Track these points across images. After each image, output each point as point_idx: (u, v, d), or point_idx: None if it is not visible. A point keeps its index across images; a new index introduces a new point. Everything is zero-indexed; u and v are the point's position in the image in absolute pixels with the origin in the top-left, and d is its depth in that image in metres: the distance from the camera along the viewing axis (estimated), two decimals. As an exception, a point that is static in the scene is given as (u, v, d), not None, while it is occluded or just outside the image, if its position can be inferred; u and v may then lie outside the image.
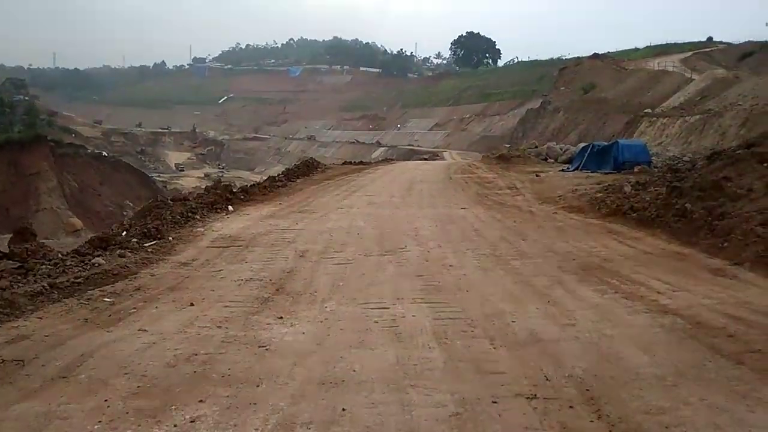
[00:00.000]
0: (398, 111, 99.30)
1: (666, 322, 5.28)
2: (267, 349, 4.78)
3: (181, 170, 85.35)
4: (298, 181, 21.79)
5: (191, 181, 73.11)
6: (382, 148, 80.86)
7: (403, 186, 20.27)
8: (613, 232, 10.17)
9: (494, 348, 4.80)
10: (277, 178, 20.61)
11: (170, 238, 9.38)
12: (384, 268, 7.75)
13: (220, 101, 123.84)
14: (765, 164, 9.70)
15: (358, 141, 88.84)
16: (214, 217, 11.95)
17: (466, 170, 27.13)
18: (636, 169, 21.81)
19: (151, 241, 8.93)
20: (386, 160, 38.07)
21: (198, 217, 11.56)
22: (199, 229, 10.49)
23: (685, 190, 10.15)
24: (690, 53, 62.15)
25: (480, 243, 9.41)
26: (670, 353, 4.58)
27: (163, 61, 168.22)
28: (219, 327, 5.33)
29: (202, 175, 77.50)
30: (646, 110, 43.47)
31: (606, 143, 25.86)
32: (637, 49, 78.08)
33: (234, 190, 15.37)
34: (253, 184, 18.13)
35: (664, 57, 62.77)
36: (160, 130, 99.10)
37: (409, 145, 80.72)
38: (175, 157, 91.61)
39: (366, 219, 11.94)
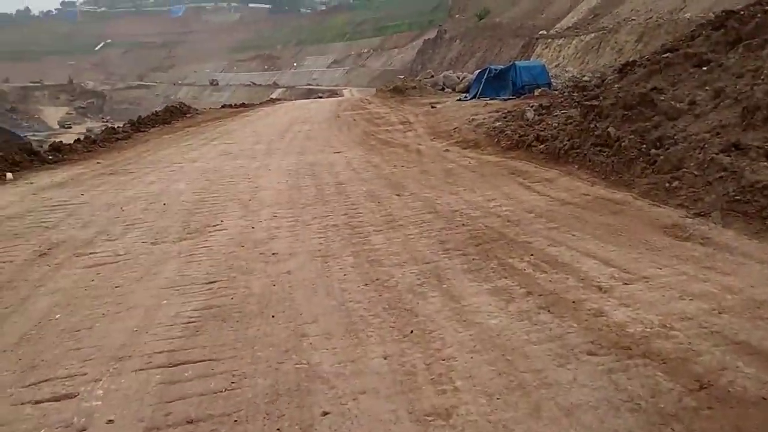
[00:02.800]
0: (293, 49, 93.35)
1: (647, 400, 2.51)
2: None
3: (67, 127, 76.70)
4: (151, 130, 17.91)
5: (73, 138, 65.52)
6: (279, 89, 75.88)
7: (279, 129, 17.00)
8: (517, 173, 7.50)
9: None
10: (119, 129, 16.64)
11: None
12: (157, 270, 4.63)
13: (97, 48, 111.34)
14: (704, 68, 7.21)
15: (254, 83, 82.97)
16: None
17: (358, 106, 24.13)
18: (536, 93, 19.59)
19: None
20: (272, 101, 34.06)
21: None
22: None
23: (605, 110, 7.55)
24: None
25: (336, 205, 6.47)
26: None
27: (26, 7, 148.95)
28: None
29: (85, 131, 69.71)
30: (541, 32, 41.60)
31: (503, 66, 23.37)
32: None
33: (36, 150, 11.48)
34: (78, 139, 14.15)
35: (556, -22, 60.90)
36: (31, 85, 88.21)
37: (308, 84, 76.30)
38: (51, 113, 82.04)
39: (196, 179, 8.67)
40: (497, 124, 11.55)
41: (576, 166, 7.17)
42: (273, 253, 4.90)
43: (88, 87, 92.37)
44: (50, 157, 11.71)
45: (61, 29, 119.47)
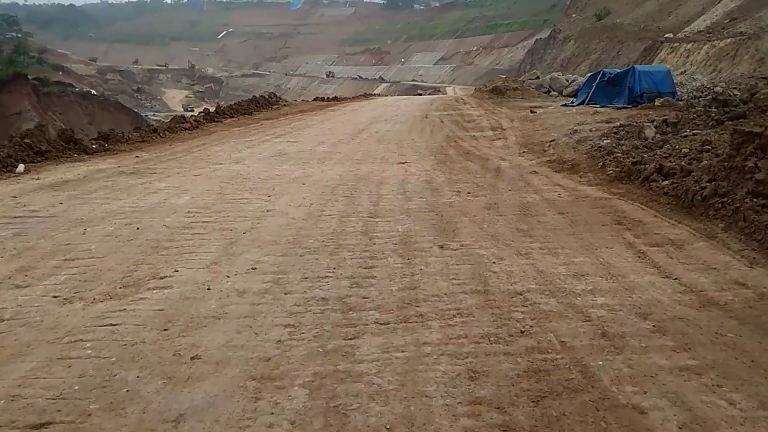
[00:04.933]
0: (402, 45, 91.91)
1: None
2: None
3: (190, 110, 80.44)
4: (227, 120, 16.68)
5: (189, 121, 67.92)
6: (384, 84, 74.93)
7: (356, 128, 15.20)
8: (626, 223, 5.05)
9: None
10: (189, 119, 15.45)
11: None
12: (10, 368, 2.78)
13: (219, 36, 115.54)
14: None
15: (360, 77, 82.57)
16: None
17: (450, 106, 21.93)
18: (657, 103, 16.42)
19: None
20: (365, 95, 32.33)
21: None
22: None
23: (773, 140, 4.91)
24: (717, -27, 54.11)
25: (348, 257, 4.36)
26: None
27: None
28: None
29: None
30: (666, 35, 37.05)
31: (619, 70, 20.19)
32: (657, -27, 69.38)
33: (76, 137, 10.24)
34: (138, 127, 12.99)
35: (688, -22, 54.89)
36: (157, 68, 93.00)
37: (413, 80, 74.70)
38: (172, 95, 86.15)
39: (209, 190, 6.88)
40: (604, 142, 8.92)
41: (721, 224, 4.62)
42: (193, 358, 2.90)
43: (208, 73, 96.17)
44: (93, 146, 10.50)
45: (189, 17, 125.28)
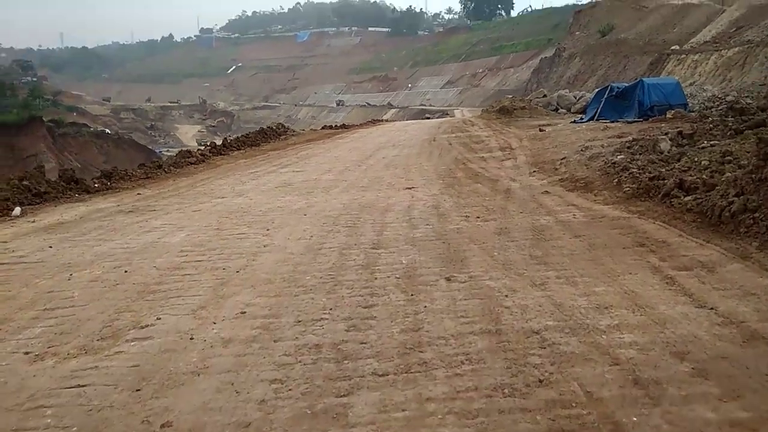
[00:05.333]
0: (409, 70, 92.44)
1: None
2: None
3: (203, 144, 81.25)
4: (234, 153, 16.50)
5: (201, 155, 68.43)
6: (393, 110, 75.24)
7: (363, 154, 14.94)
8: (649, 245, 4.62)
9: None
10: (195, 153, 15.28)
11: None
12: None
13: (229, 71, 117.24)
14: None
15: (368, 104, 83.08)
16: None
17: (458, 128, 21.66)
18: (669, 115, 16.03)
19: None
20: (373, 122, 32.16)
21: None
22: None
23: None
24: (719, -16, 53.86)
25: (347, 294, 3.99)
26: None
27: (170, 34, 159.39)
28: None
29: (215, 149, 72.80)
30: (672, 47, 36.70)
31: (627, 84, 19.84)
32: (659, -12, 69.28)
33: (78, 178, 10.02)
34: (142, 164, 12.78)
35: (689, -9, 54.72)
36: (169, 104, 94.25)
37: (421, 104, 74.92)
38: (185, 131, 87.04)
39: (206, 226, 6.54)
40: (618, 157, 8.51)
41: (755, 243, 4.18)
42: (163, 425, 2.52)
43: (219, 107, 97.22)
44: (95, 185, 10.29)
45: (199, 54, 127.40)
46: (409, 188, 8.94)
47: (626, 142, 10.33)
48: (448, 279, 4.16)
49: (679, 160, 7.27)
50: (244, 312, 3.79)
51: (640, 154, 8.54)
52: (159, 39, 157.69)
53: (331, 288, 4.16)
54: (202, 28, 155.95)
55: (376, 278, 4.32)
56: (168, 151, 71.61)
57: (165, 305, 4.03)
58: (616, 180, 7.34)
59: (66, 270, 5.03)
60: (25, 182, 8.72)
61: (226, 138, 18.01)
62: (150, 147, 68.73)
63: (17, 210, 7.82)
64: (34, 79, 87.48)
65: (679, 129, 9.83)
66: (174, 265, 4.99)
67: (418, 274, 4.34)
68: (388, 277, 4.33)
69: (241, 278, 4.54)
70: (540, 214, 6.19)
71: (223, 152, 16.17)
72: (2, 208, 7.83)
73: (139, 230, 6.45)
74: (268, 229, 6.22)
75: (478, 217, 6.29)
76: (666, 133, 9.64)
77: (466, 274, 4.24)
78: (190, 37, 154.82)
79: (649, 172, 6.97)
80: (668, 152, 8.06)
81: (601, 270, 4.12)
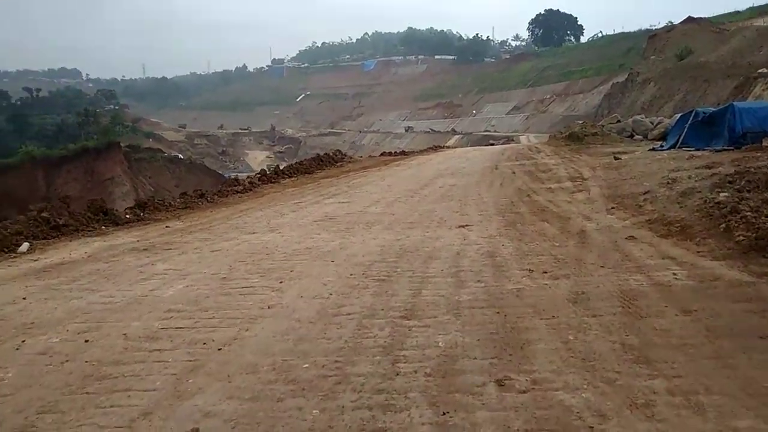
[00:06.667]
0: (474, 97, 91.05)
1: None
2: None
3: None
4: (284, 181, 15.72)
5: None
6: (456, 136, 73.94)
7: (418, 183, 13.75)
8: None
9: None
10: (243, 181, 14.55)
11: None
12: None
13: (298, 99, 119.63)
14: None
15: (432, 130, 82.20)
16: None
17: (524, 155, 20.17)
18: (765, 143, 13.99)
19: None
20: (434, 148, 30.88)
21: None
22: None
23: None
24: (808, 6, 49.89)
25: (343, 420, 2.72)
26: None
27: (244, 65, 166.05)
28: None
29: (285, 174, 74.10)
30: (760, 70, 33.64)
31: (714, 109, 17.73)
32: (738, 12, 65.27)
33: (107, 208, 9.26)
34: (184, 193, 12.03)
35: (773, 16, 50.99)
36: (240, 131, 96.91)
37: (486, 130, 73.30)
38: (254, 156, 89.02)
39: (214, 274, 5.43)
40: (721, 195, 6.85)
41: None
42: None
43: (287, 134, 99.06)
44: (126, 216, 9.53)
45: (270, 83, 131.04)
46: (462, 226, 7.59)
47: (725, 175, 8.59)
48: (499, 383, 2.80)
49: (808, 201, 5.61)
50: (196, 430, 2.57)
51: (749, 191, 6.86)
52: (233, 69, 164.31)
53: (330, 389, 2.88)
54: (274, 59, 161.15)
55: (397, 374, 3.01)
56: (236, 175, 73.34)
57: (101, 405, 2.87)
58: (724, 225, 5.73)
59: (23, 333, 4.00)
60: (43, 214, 7.99)
61: (277, 165, 17.25)
62: (220, 172, 70.41)
63: (24, 246, 7.02)
64: (116, 107, 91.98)
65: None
66: (148, 334, 3.86)
67: (457, 370, 3.00)
68: (415, 372, 3.01)
69: (219, 362, 3.33)
70: (628, 272, 4.70)
71: (273, 180, 15.40)
72: (9, 244, 7.06)
73: (136, 278, 5.41)
74: (281, 281, 5.03)
75: (545, 272, 4.87)
76: (777, 165, 7.88)
77: (527, 376, 2.86)
78: (262, 67, 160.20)
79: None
80: (788, 189, 6.37)
81: (737, 382, 2.65)
